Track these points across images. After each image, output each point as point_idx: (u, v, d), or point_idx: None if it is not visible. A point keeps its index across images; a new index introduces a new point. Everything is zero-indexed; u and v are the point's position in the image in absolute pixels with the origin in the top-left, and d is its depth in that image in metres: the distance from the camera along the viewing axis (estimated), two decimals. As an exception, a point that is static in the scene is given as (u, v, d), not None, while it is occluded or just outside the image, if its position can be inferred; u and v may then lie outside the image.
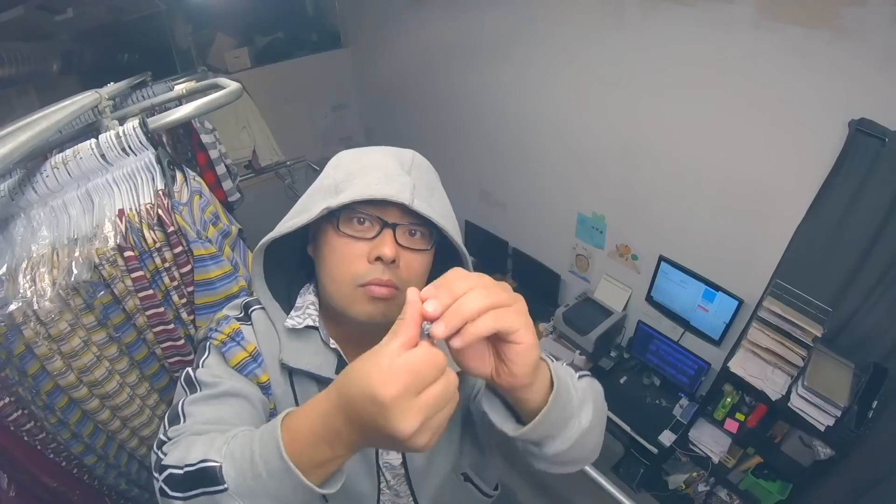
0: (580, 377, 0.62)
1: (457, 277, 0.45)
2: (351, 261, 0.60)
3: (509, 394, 0.52)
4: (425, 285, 0.67)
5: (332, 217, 0.61)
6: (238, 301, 0.75)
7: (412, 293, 0.44)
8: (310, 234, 0.68)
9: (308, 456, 0.45)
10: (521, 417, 0.55)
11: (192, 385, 0.63)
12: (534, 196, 2.94)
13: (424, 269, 0.65)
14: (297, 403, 0.68)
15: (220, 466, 0.47)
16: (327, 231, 0.63)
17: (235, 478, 0.47)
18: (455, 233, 0.63)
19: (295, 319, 0.68)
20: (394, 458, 0.73)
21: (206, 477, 0.48)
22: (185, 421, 0.57)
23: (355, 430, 0.43)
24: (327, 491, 0.47)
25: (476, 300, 0.42)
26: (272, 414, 0.68)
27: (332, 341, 0.69)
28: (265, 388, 0.67)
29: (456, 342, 0.42)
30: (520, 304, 0.46)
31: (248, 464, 0.46)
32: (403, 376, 0.39)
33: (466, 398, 0.76)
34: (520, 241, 3.16)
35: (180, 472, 0.49)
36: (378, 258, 0.59)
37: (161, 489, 0.50)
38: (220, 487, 0.47)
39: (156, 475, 0.51)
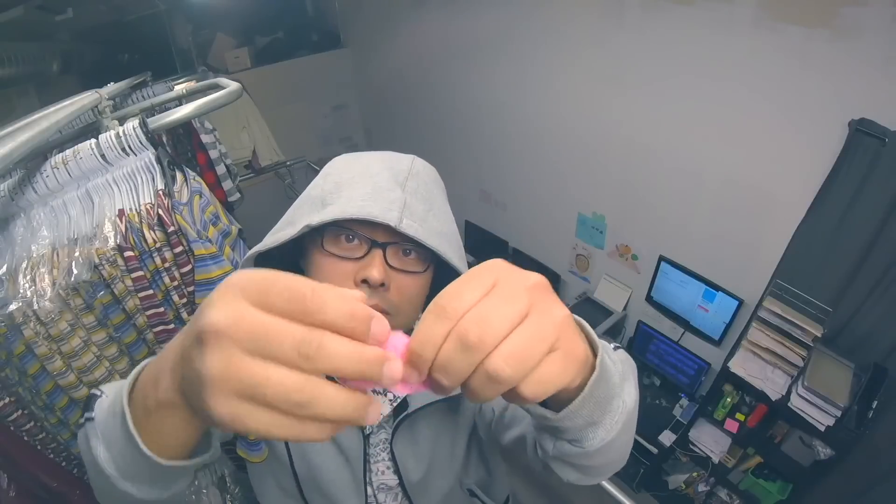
0: (615, 348, 0.51)
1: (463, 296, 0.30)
2: (335, 282, 0.53)
3: None
4: (423, 308, 0.63)
5: (318, 233, 0.56)
6: None
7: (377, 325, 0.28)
8: (301, 245, 0.63)
9: (144, 403, 0.37)
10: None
11: None
12: (534, 196, 2.94)
13: (419, 292, 0.59)
14: None
15: (101, 396, 0.46)
16: (313, 247, 0.58)
17: (105, 410, 0.43)
18: (454, 252, 0.56)
19: None
20: (389, 478, 0.71)
21: (88, 404, 0.46)
22: None
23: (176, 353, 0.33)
24: (157, 458, 0.37)
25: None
26: None
27: None
28: None
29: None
30: (564, 334, 0.33)
31: (115, 397, 0.42)
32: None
33: (472, 412, 0.73)
34: (520, 241, 3.16)
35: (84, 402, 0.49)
36: (364, 281, 0.53)
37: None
38: (90, 415, 0.45)
39: None
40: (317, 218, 0.53)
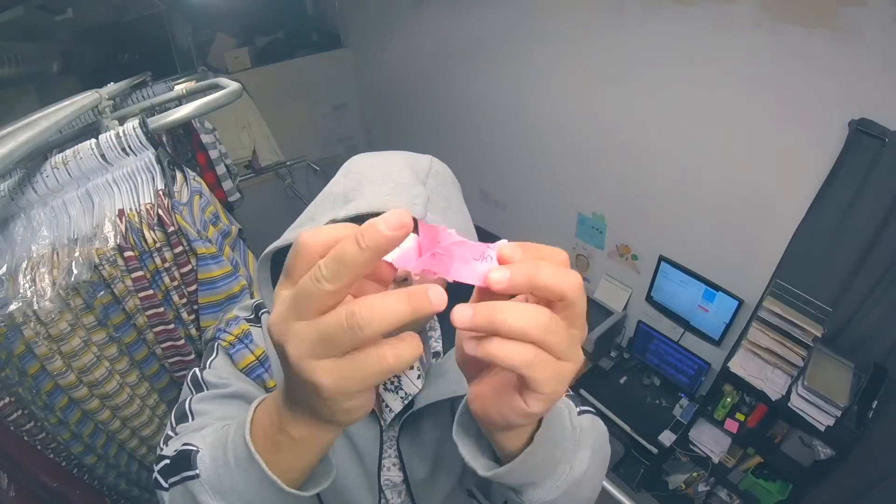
0: (581, 412, 0.52)
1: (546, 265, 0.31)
2: None
3: (483, 426, 0.41)
4: None
5: None
6: (249, 302, 0.73)
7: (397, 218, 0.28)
8: None
9: (272, 443, 0.39)
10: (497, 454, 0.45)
11: (198, 385, 0.63)
12: (534, 196, 2.94)
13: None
14: None
15: (198, 451, 0.45)
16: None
17: (209, 464, 0.43)
18: None
19: None
20: (395, 474, 0.71)
21: (183, 461, 0.45)
22: (193, 419, 0.57)
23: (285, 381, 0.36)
24: (300, 493, 0.40)
25: (532, 318, 0.30)
26: None
27: None
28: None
29: (469, 346, 0.32)
30: (572, 362, 0.32)
31: (221, 450, 0.43)
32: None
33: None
34: (519, 241, 3.14)
35: (168, 459, 0.47)
36: None
37: (155, 479, 0.48)
38: (193, 473, 0.44)
39: (154, 467, 0.49)
40: (342, 213, 0.54)
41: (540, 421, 0.42)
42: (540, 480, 0.44)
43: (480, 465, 0.44)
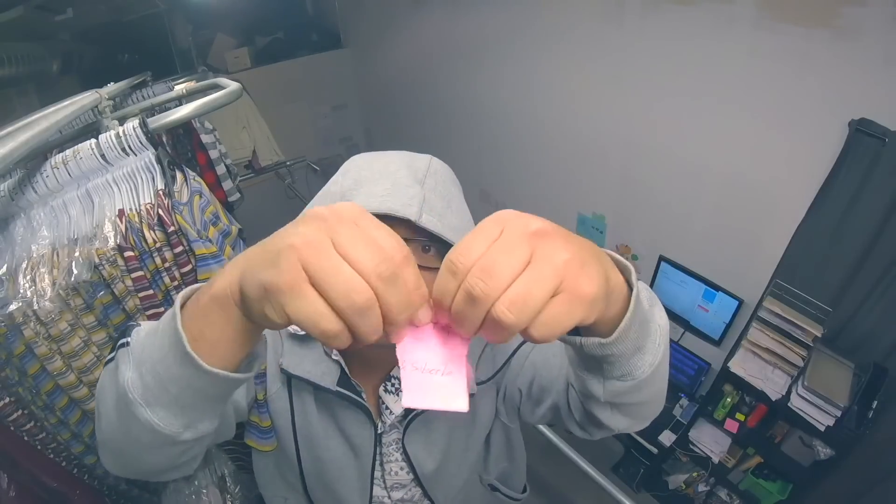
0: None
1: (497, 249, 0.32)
2: None
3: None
4: None
5: None
6: None
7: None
8: None
9: (195, 299, 0.38)
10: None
11: None
12: (534, 196, 2.94)
13: None
14: (291, 410, 0.67)
15: (139, 326, 0.45)
16: None
17: (143, 334, 0.43)
18: None
19: None
20: (403, 477, 0.71)
21: (123, 335, 0.46)
22: None
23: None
24: (199, 359, 0.36)
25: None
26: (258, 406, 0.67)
27: (334, 353, 0.67)
28: (259, 377, 0.67)
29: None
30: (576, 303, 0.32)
31: (157, 321, 0.43)
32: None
33: (492, 405, 0.74)
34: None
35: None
36: None
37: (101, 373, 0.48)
38: (125, 340, 0.44)
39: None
40: None
41: (630, 286, 0.40)
42: (643, 344, 0.43)
43: (596, 339, 0.41)
